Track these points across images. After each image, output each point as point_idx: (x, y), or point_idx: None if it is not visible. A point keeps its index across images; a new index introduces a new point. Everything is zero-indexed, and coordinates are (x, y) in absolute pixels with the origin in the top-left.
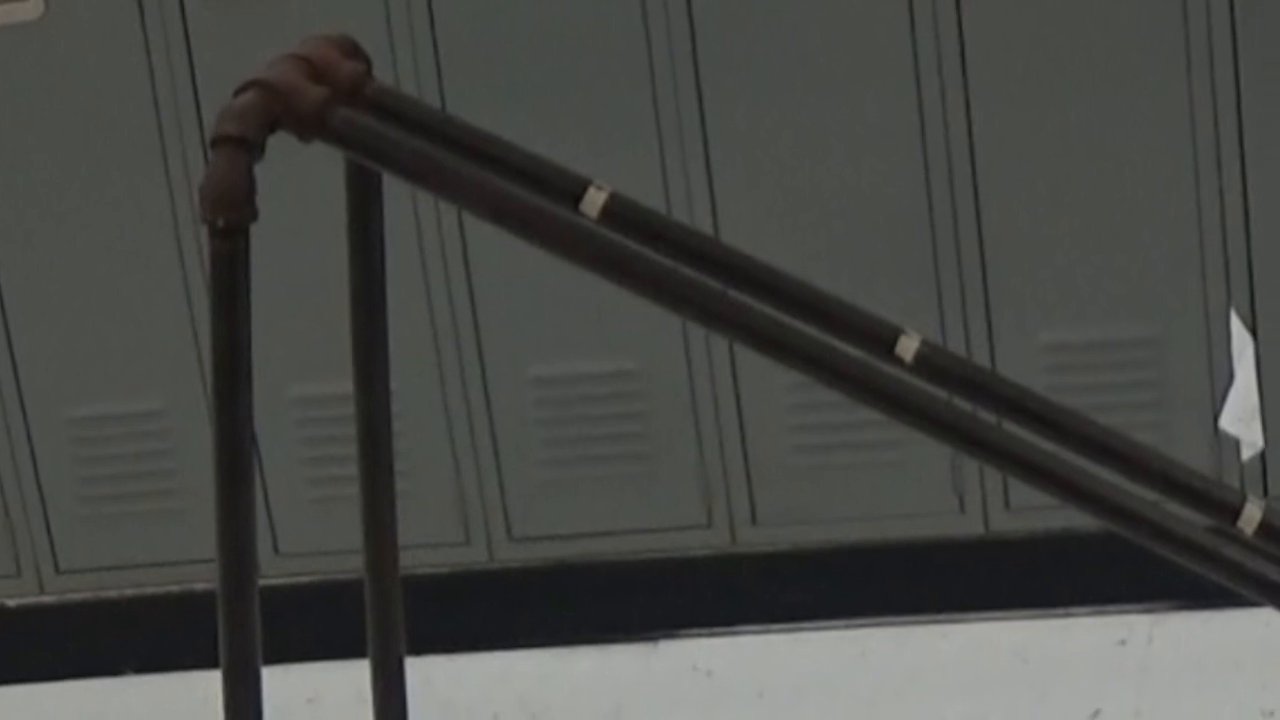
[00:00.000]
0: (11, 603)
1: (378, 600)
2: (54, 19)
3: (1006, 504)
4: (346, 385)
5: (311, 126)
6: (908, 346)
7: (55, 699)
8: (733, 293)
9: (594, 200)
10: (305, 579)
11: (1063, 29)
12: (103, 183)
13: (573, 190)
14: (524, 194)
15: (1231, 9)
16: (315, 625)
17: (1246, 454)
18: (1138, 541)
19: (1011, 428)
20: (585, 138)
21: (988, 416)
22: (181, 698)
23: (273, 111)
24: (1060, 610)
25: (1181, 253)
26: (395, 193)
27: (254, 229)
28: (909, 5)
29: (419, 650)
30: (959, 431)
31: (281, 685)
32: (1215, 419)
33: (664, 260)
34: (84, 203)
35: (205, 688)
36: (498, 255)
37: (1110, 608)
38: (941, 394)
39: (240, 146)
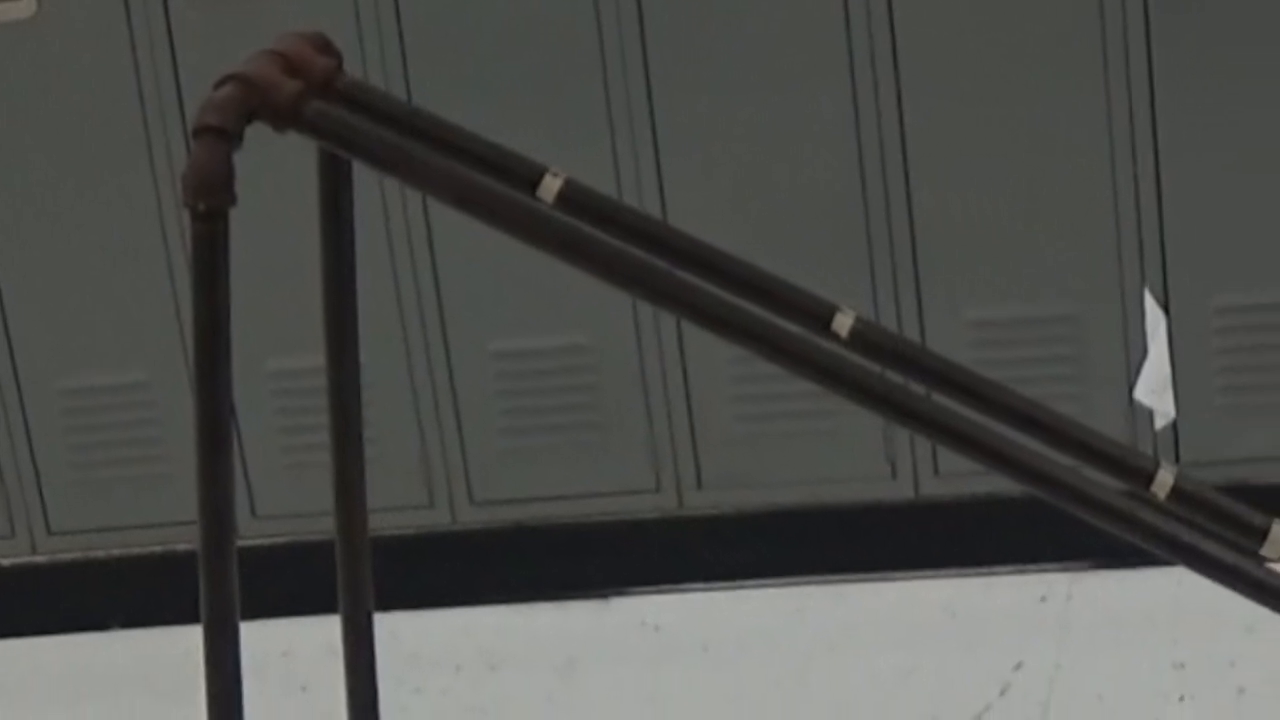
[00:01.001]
0: (6, 562)
1: (348, 560)
2: (46, 18)
3: (935, 470)
4: (319, 359)
5: (286, 118)
6: (843, 323)
7: (46, 653)
8: (680, 273)
9: (550, 186)
10: (280, 540)
11: (988, 28)
12: (92, 170)
13: (530, 177)
14: (485, 180)
15: (1146, 8)
16: (289, 583)
17: (1159, 423)
18: (1058, 505)
19: (940, 399)
20: (543, 128)
21: (918, 388)
22: (164, 651)
23: (250, 103)
24: (985, 569)
25: (1099, 236)
26: (364, 180)
27: (233, 213)
28: (844, 6)
29: (386, 606)
30: (891, 402)
31: (258, 639)
32: (1130, 391)
33: (616, 242)
34: (75, 189)
35: (187, 642)
36: (460, 238)
37: (1032, 567)
38: (875, 367)
39: (220, 136)
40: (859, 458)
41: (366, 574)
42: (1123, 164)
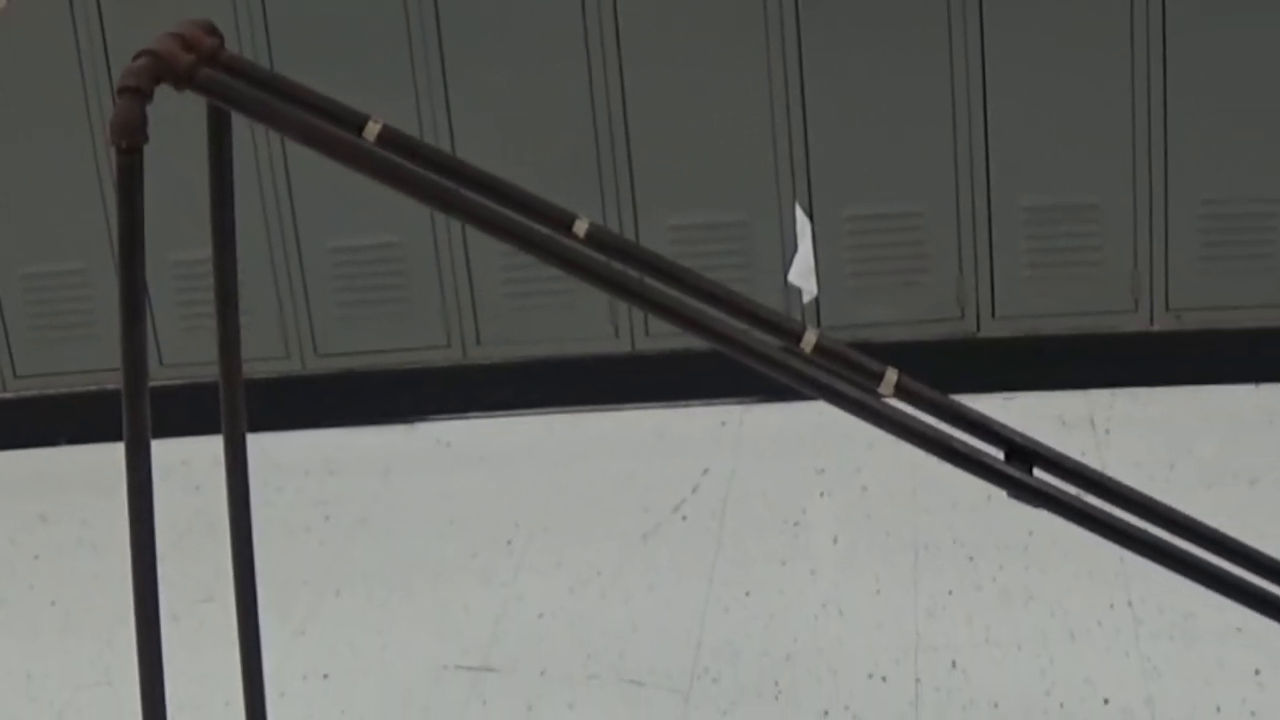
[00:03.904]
0: None
1: (228, 396)
2: (15, 11)
3: (646, 331)
4: (207, 251)
5: (184, 81)
6: (580, 227)
7: (13, 462)
8: (464, 191)
9: (372, 129)
10: (180, 381)
11: (684, 10)
12: (48, 119)
13: (357, 122)
14: (324, 125)
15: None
16: (186, 412)
17: (806, 298)
18: (734, 356)
19: (649, 281)
20: (368, 87)
21: (634, 274)
22: (98, 460)
23: (158, 71)
24: (681, 402)
25: (763, 164)
26: (240, 125)
27: (146, 149)
28: None
29: (255, 429)
30: (614, 284)
31: (164, 452)
32: (785, 275)
33: (418, 170)
34: (36, 133)
35: (114, 454)
36: (307, 167)
37: (715, 400)
38: (603, 259)
39: (137, 94)
40: (592, 322)
41: (241, 405)
42: (779, 112)
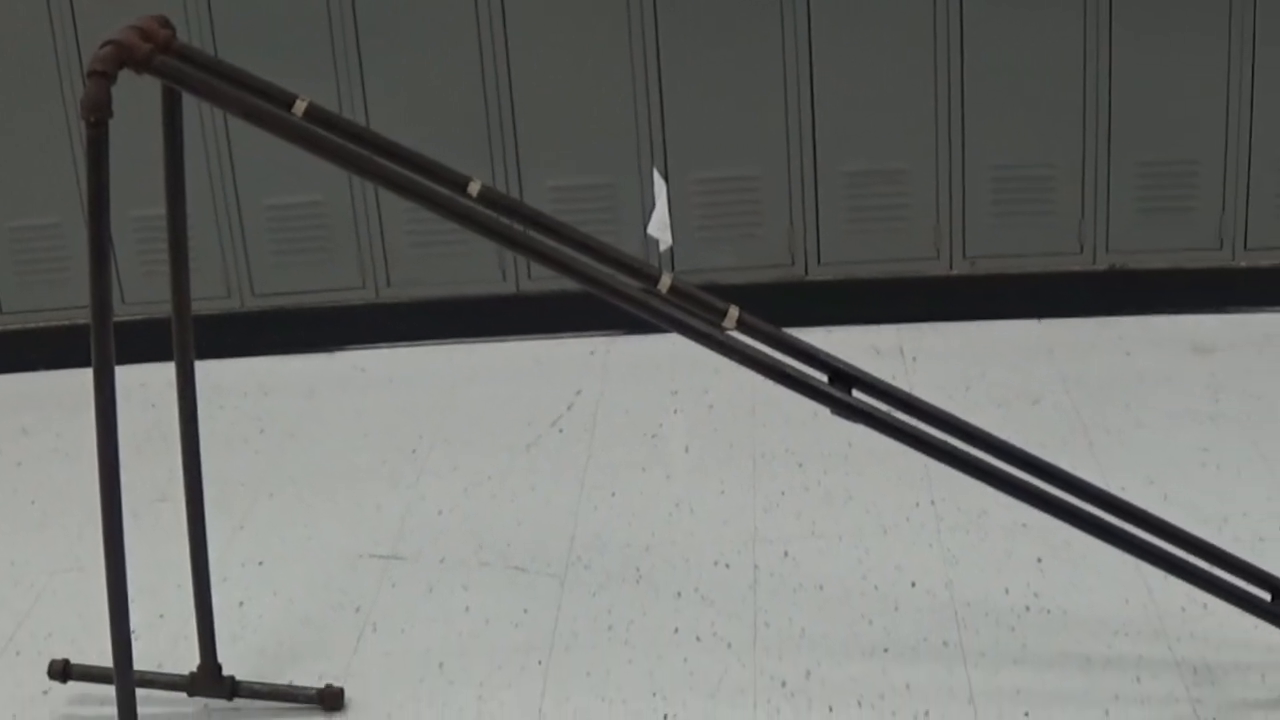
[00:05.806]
0: None
1: (179, 328)
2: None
3: (529, 275)
4: (162, 209)
5: (143, 66)
6: (474, 188)
7: (2, 384)
8: (377, 158)
9: (299, 106)
10: (139, 317)
11: (563, 3)
12: (29, 98)
13: (288, 100)
14: (260, 103)
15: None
16: (144, 343)
17: (662, 247)
18: (601, 296)
19: (532, 233)
20: (296, 71)
21: (518, 227)
22: (70, 383)
23: (121, 57)
24: (557, 335)
25: (627, 134)
26: (189, 103)
27: (111, 123)
28: None
29: (202, 356)
30: (502, 236)
31: (125, 376)
32: (645, 228)
33: (338, 140)
34: (18, 109)
35: (84, 377)
36: (246, 137)
37: (586, 333)
38: (492, 215)
39: (103, 77)
40: (482, 267)
41: (190, 337)
42: (640, 91)
